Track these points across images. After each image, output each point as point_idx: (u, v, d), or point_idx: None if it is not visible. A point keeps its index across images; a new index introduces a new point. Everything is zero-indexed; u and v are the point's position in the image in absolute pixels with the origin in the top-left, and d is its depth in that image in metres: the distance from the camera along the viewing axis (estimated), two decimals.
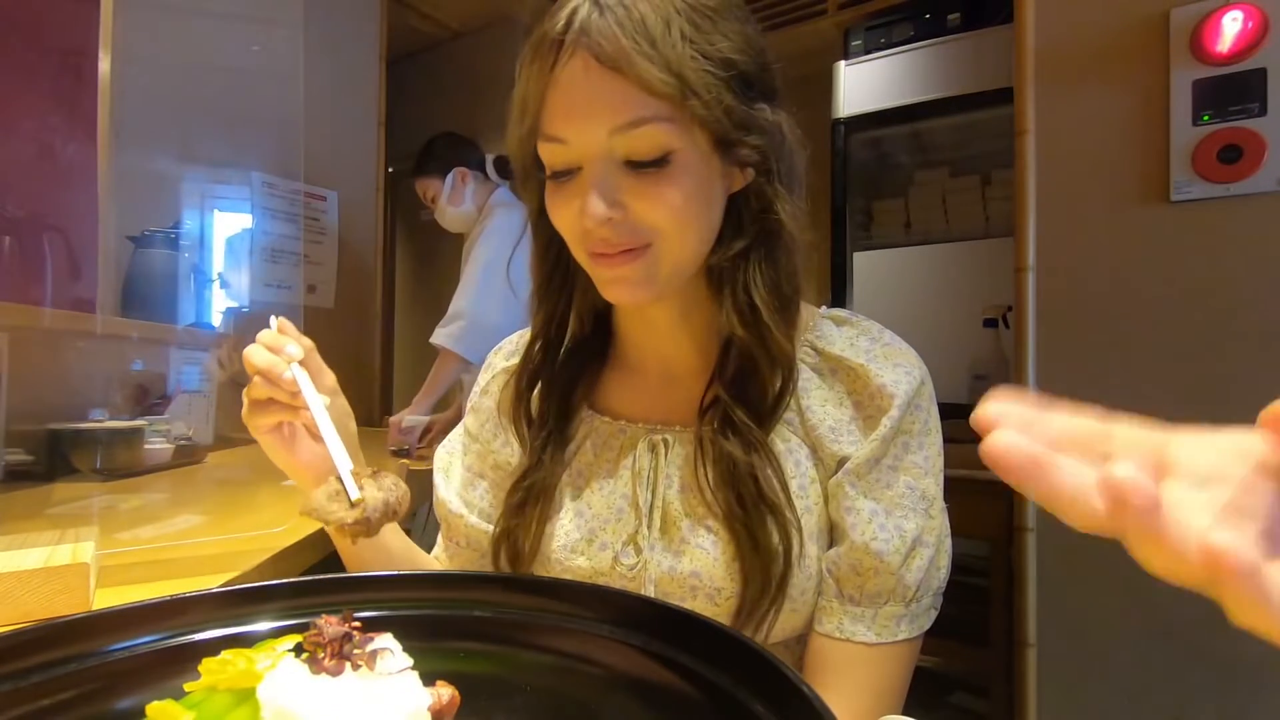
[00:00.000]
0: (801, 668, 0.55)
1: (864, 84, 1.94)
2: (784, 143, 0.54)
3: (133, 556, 0.71)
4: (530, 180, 0.56)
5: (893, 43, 1.90)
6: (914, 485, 0.54)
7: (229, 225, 2.04)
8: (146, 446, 1.33)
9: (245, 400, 0.55)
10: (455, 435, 0.69)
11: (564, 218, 0.53)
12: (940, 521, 0.55)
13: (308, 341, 0.57)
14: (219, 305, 1.99)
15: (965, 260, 1.91)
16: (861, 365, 0.55)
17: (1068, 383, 1.27)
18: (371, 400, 2.55)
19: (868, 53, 1.95)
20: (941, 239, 1.99)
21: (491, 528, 0.62)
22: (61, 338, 1.42)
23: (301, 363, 0.54)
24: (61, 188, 1.48)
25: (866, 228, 2.17)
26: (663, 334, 0.60)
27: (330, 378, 0.57)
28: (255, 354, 0.54)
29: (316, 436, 0.54)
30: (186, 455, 1.43)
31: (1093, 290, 1.25)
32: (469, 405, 0.68)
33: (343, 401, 0.59)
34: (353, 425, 0.59)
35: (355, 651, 0.24)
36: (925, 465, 0.55)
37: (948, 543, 0.56)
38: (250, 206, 2.09)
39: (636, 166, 0.49)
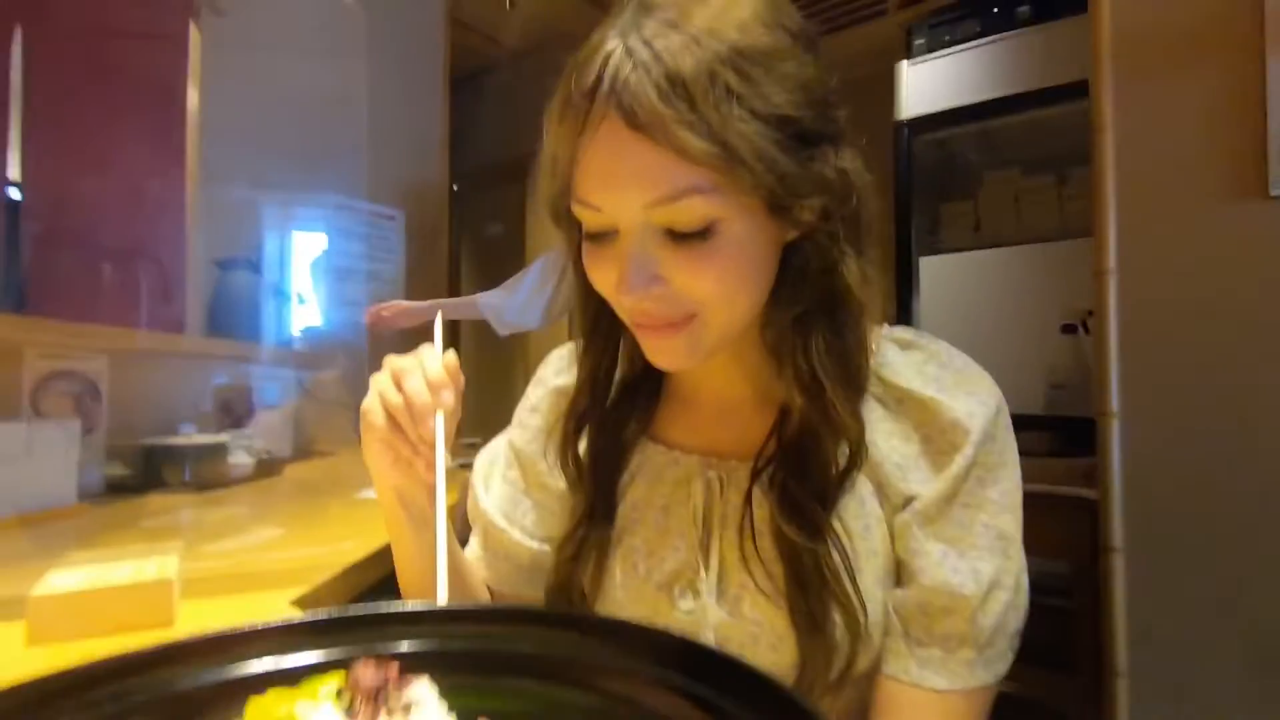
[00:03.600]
0: (870, 706, 0.53)
1: (928, 83, 1.89)
2: (850, 194, 0.48)
3: (214, 570, 0.75)
4: (566, 228, 0.53)
5: (957, 39, 1.84)
6: (989, 524, 0.50)
7: (305, 246, 2.14)
8: (230, 460, 1.41)
9: (370, 410, 0.52)
10: (498, 445, 0.68)
11: (602, 284, 0.50)
12: (1018, 562, 0.51)
13: (461, 381, 0.53)
14: (298, 324, 2.09)
15: (1040, 263, 1.82)
16: (931, 398, 0.52)
17: (1153, 392, 1.19)
18: None
19: (931, 51, 1.89)
20: (1014, 241, 1.90)
21: (532, 543, 0.62)
22: (154, 358, 1.52)
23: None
24: (153, 217, 1.58)
25: (933, 232, 2.09)
26: (715, 373, 0.58)
27: (459, 413, 0.53)
28: (411, 380, 0.51)
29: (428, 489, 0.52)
30: (267, 468, 1.51)
31: (1180, 293, 1.17)
32: (515, 417, 0.67)
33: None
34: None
35: (390, 703, 0.24)
36: (1002, 501, 0.51)
37: (1025, 581, 0.52)
38: (324, 227, 2.19)
39: (678, 237, 0.45)
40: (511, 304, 1.95)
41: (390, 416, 0.51)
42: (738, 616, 0.53)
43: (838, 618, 0.49)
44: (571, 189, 0.47)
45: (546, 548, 0.62)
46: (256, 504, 1.17)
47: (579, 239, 0.51)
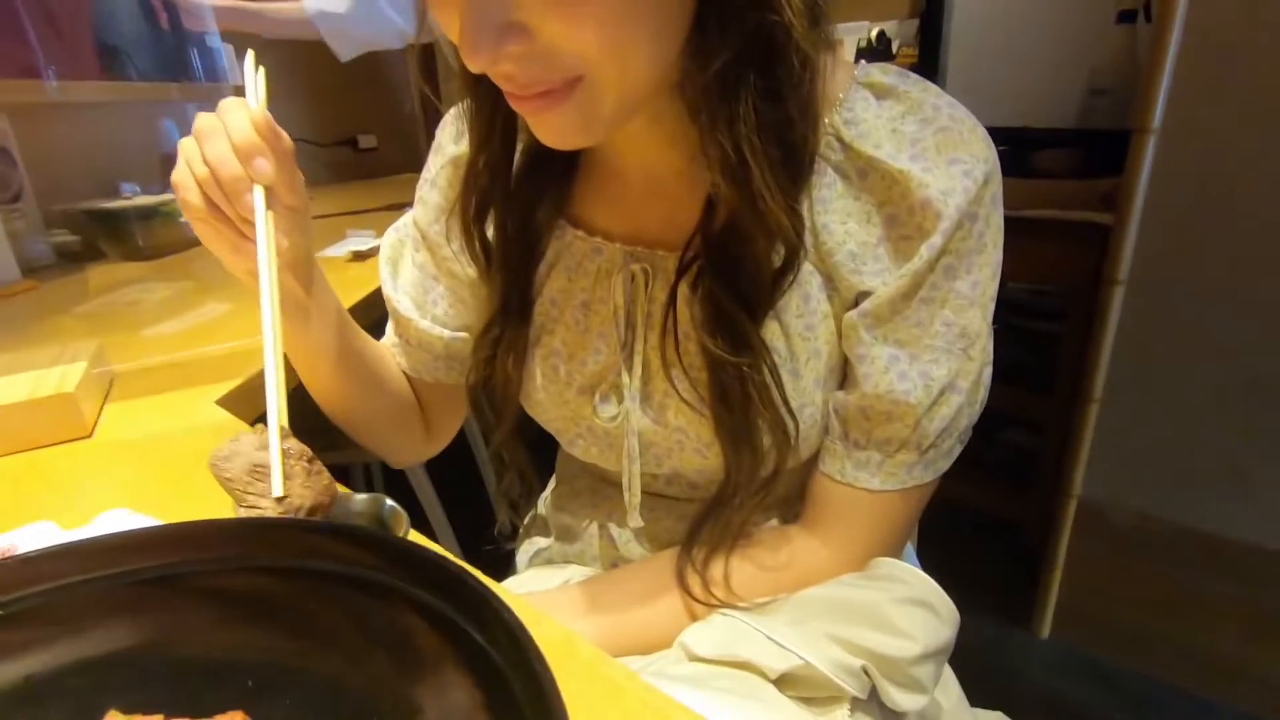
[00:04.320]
0: (802, 494, 0.51)
1: None
2: None
3: (147, 365, 0.72)
4: None
5: None
6: (952, 322, 0.43)
7: None
8: (183, 221, 1.32)
9: (180, 184, 0.43)
10: (405, 222, 0.59)
11: (449, 32, 0.36)
12: (980, 360, 0.44)
13: (287, 142, 0.44)
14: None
15: None
16: (901, 170, 0.41)
17: (1202, 107, 1.02)
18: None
19: None
20: None
21: (444, 332, 0.56)
22: (69, 110, 1.35)
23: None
24: None
25: None
26: (635, 139, 0.46)
27: (299, 185, 0.45)
28: (216, 147, 0.42)
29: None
30: None
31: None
32: (417, 191, 0.57)
33: (306, 212, 0.48)
34: (309, 235, 0.49)
35: None
36: (972, 294, 0.42)
37: (987, 375, 0.45)
38: None
39: None
40: (356, 11, 1.57)
41: (204, 193, 0.43)
42: (662, 424, 0.49)
43: (765, 431, 0.44)
44: None
45: (463, 335, 0.57)
46: (207, 273, 1.11)
47: None
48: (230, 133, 0.42)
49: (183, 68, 1.62)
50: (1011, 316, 1.75)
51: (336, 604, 0.25)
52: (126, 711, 0.21)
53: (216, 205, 0.43)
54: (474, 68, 0.34)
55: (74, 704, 0.22)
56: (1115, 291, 1.13)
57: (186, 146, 0.43)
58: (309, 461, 0.38)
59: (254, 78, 0.46)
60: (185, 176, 0.43)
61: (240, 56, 1.87)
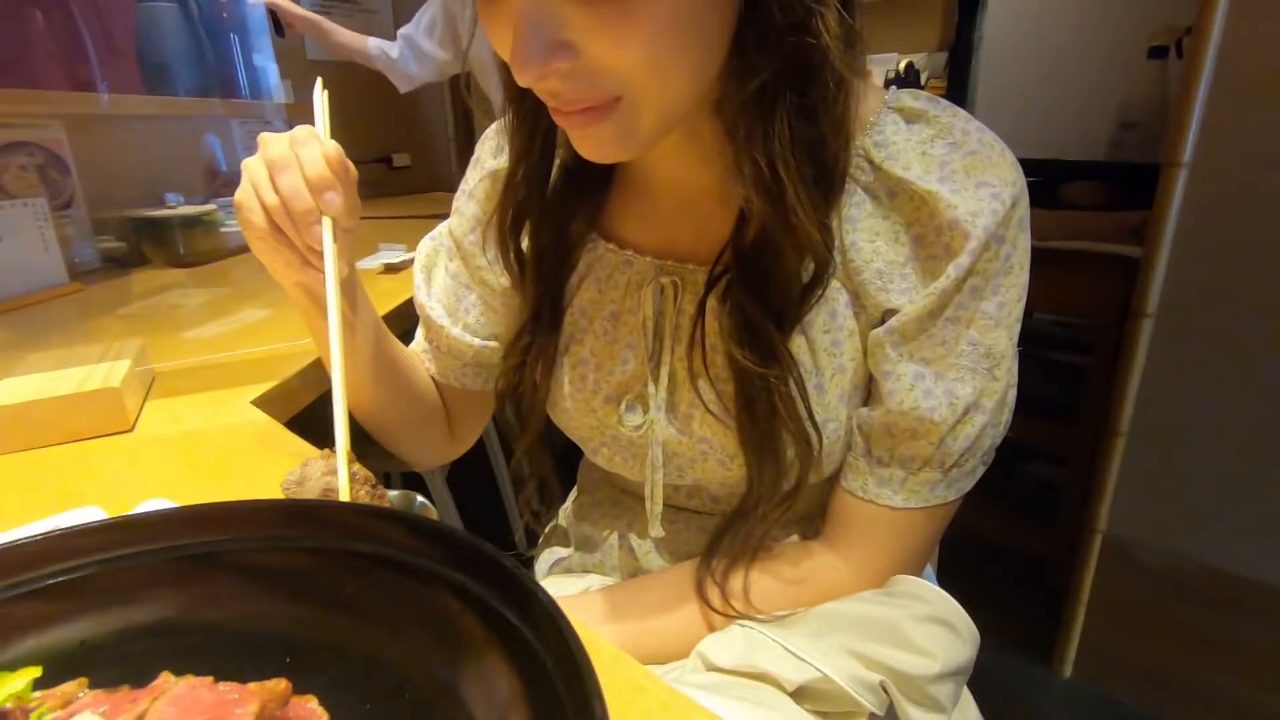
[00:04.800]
0: (824, 509, 0.51)
1: None
2: None
3: (186, 365, 0.75)
4: None
5: None
6: (978, 342, 0.43)
7: None
8: (224, 230, 1.37)
9: (245, 206, 0.44)
10: (441, 231, 0.60)
11: (503, 53, 0.37)
12: (1005, 381, 0.45)
13: (354, 173, 0.46)
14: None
15: None
16: (930, 191, 0.41)
17: (1233, 140, 1.01)
18: None
19: None
20: None
21: (475, 340, 0.58)
22: (121, 122, 1.41)
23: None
24: None
25: None
26: (669, 158, 0.47)
27: (357, 211, 0.47)
28: (289, 180, 0.43)
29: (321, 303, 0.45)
30: None
31: None
32: (454, 202, 0.59)
33: (357, 231, 0.49)
34: (352, 257, 0.50)
35: None
36: (998, 315, 0.43)
37: (1012, 396, 0.46)
38: None
39: None
40: (408, 50, 1.73)
41: (270, 217, 0.44)
42: (687, 434, 0.49)
43: (789, 444, 0.45)
44: None
45: (492, 343, 0.58)
46: (246, 281, 1.15)
47: None
48: (304, 165, 0.43)
49: (224, 84, 1.68)
50: (1037, 348, 1.73)
51: (374, 584, 0.26)
52: (178, 674, 0.22)
53: (281, 230, 0.45)
54: (523, 82, 0.36)
55: (126, 668, 0.23)
56: (1143, 324, 1.12)
57: (254, 170, 0.44)
58: (373, 486, 0.40)
59: (322, 107, 0.47)
60: (251, 199, 0.44)
61: (286, 81, 1.95)
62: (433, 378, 0.61)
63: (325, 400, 0.44)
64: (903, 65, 1.77)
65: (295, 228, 0.44)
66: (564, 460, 0.63)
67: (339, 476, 0.39)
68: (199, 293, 1.07)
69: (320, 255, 0.45)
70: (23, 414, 0.56)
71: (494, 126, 0.57)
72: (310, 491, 0.38)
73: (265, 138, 0.45)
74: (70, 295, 1.08)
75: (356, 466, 0.41)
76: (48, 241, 1.08)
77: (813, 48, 0.36)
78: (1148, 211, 1.10)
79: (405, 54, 1.73)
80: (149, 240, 1.28)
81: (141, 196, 1.38)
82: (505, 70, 0.44)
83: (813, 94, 0.38)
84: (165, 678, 0.22)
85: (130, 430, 0.60)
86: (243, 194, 0.45)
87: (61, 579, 0.25)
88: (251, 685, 0.22)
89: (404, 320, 0.90)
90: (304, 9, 1.74)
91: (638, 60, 0.35)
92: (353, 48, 1.76)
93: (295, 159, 0.43)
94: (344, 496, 0.37)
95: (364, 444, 0.65)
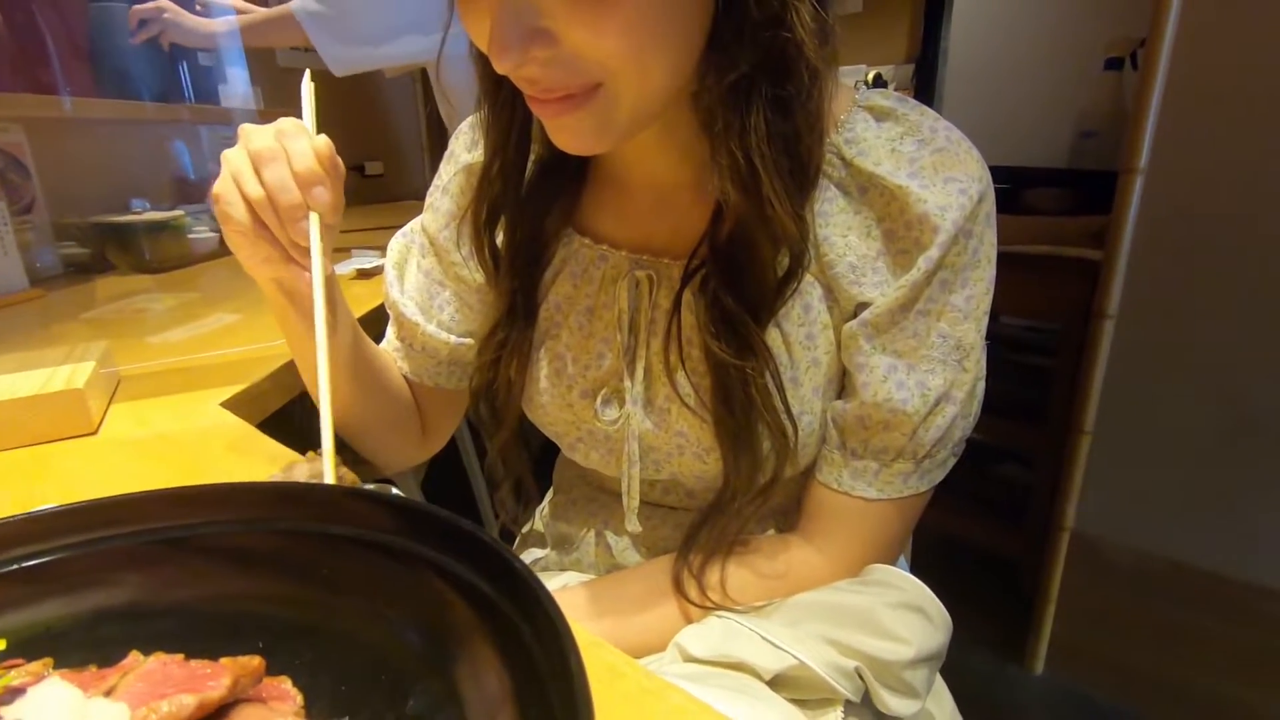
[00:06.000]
0: (799, 503, 0.52)
1: None
2: None
3: (153, 368, 0.73)
4: None
5: None
6: (948, 334, 0.44)
7: None
8: (191, 237, 1.34)
9: (225, 199, 0.43)
10: (413, 227, 0.60)
11: (480, 40, 0.38)
12: (974, 373, 0.46)
13: (342, 169, 0.45)
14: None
15: None
16: (899, 186, 0.43)
17: (1186, 147, 1.05)
18: None
19: None
20: None
21: (450, 338, 0.57)
22: (84, 126, 1.38)
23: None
24: None
25: None
26: (646, 152, 0.48)
27: (341, 208, 0.46)
28: (276, 173, 0.42)
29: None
30: None
31: (1245, 34, 0.98)
32: (428, 198, 0.58)
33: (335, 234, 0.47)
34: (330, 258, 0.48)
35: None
36: (966, 308, 0.44)
37: (981, 389, 0.47)
38: None
39: None
40: (351, 21, 1.49)
41: (252, 211, 0.43)
42: (664, 428, 0.50)
43: (765, 436, 0.45)
44: None
45: (467, 340, 0.58)
46: (214, 287, 1.13)
47: None
48: (292, 159, 0.42)
49: (192, 89, 1.64)
50: (1005, 351, 1.77)
51: (351, 564, 0.25)
52: (147, 653, 0.22)
53: (263, 224, 0.44)
54: (500, 69, 0.36)
55: (95, 652, 0.23)
56: (1105, 325, 1.15)
57: (236, 162, 0.43)
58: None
59: (309, 100, 0.46)
60: (231, 192, 0.43)
61: (257, 87, 1.85)
62: (405, 377, 0.61)
63: (297, 403, 0.44)
64: (871, 76, 1.81)
65: (280, 222, 0.43)
66: (539, 462, 0.63)
67: (325, 478, 0.39)
68: (166, 298, 1.05)
69: (301, 250, 0.44)
70: None
71: (468, 121, 0.57)
72: None
73: (247, 129, 0.44)
74: (31, 301, 1.06)
75: (343, 470, 0.41)
76: (7, 246, 1.05)
77: (788, 41, 0.37)
78: (1107, 216, 1.14)
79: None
80: (114, 246, 1.25)
81: (106, 202, 1.36)
82: (482, 61, 0.44)
83: (788, 87, 0.38)
84: (134, 656, 0.22)
85: (94, 434, 0.58)
86: (222, 186, 0.43)
87: (28, 564, 0.25)
88: (224, 660, 0.21)
89: (379, 323, 0.89)
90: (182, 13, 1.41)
91: (617, 49, 0.35)
92: (275, 34, 1.43)
93: (283, 152, 0.43)
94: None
95: (340, 451, 0.64)
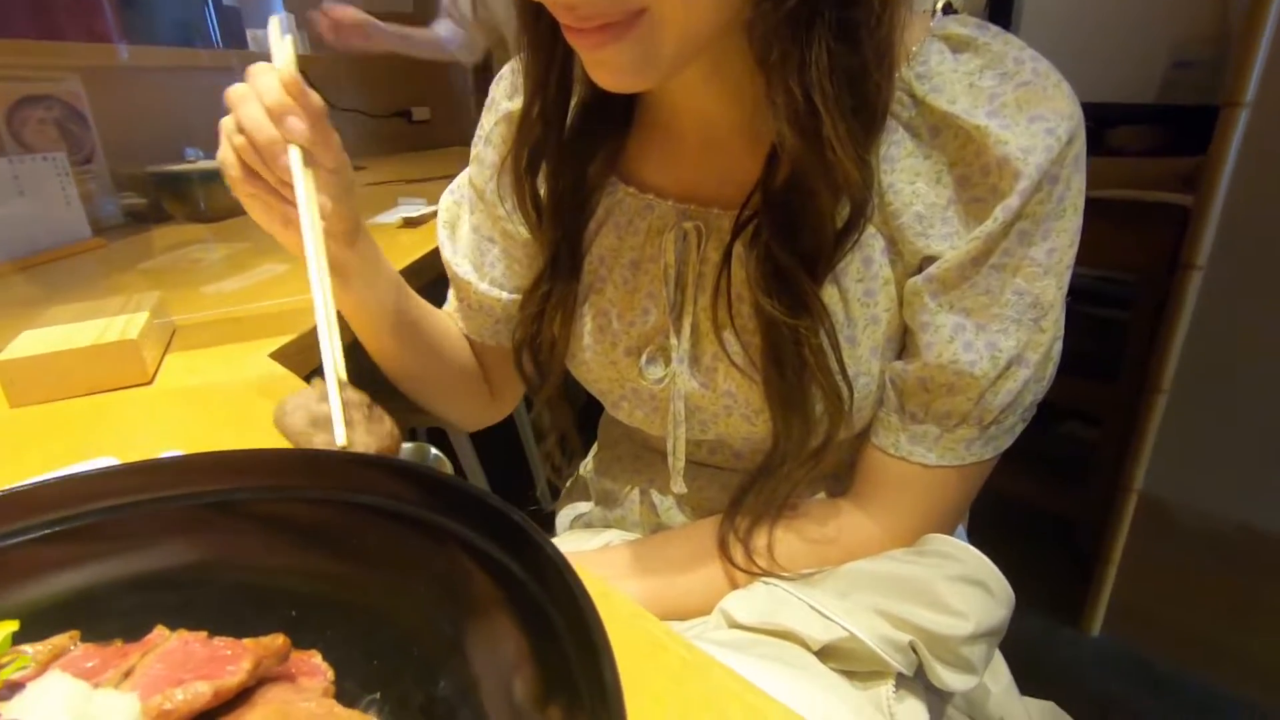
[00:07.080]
0: (852, 468, 0.49)
1: None
2: None
3: (206, 318, 0.74)
4: None
5: None
6: (1024, 290, 0.40)
7: None
8: None
9: (224, 160, 0.44)
10: (461, 182, 0.58)
11: None
12: (1052, 333, 0.42)
13: (317, 102, 0.43)
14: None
15: None
16: (977, 126, 0.38)
17: None
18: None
19: None
20: None
21: (503, 294, 0.56)
22: (141, 74, 1.39)
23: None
24: None
25: None
26: (694, 92, 0.44)
27: (335, 144, 0.45)
28: (249, 112, 0.42)
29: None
30: None
31: None
32: (472, 149, 0.56)
33: (347, 175, 0.47)
34: (354, 199, 0.48)
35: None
36: (1048, 262, 0.40)
37: (1058, 350, 0.43)
38: None
39: None
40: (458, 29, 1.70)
41: (244, 163, 0.43)
42: (711, 387, 0.47)
43: (818, 398, 0.42)
44: None
45: (518, 297, 0.56)
46: (265, 236, 1.13)
47: None
48: (260, 95, 0.42)
49: (204, 32, 1.63)
50: (1074, 303, 1.67)
51: (382, 537, 0.25)
52: (177, 627, 0.22)
53: (258, 174, 0.44)
54: None
55: (124, 620, 0.23)
56: (1193, 276, 1.06)
57: (225, 124, 0.43)
58: (369, 408, 0.39)
59: (280, 41, 0.45)
60: (228, 153, 0.44)
61: (303, 31, 1.88)
62: (466, 336, 0.60)
63: (346, 355, 0.44)
64: (940, 3, 1.68)
65: (264, 162, 0.42)
66: (585, 414, 0.62)
67: (331, 401, 0.38)
68: (219, 247, 1.07)
69: (292, 191, 0.43)
70: (42, 366, 0.56)
71: (508, 66, 0.54)
72: (301, 420, 0.37)
73: (230, 87, 0.43)
74: (93, 251, 1.09)
75: (350, 391, 0.40)
76: (69, 196, 1.07)
77: None
78: (1199, 157, 1.04)
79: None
80: (169, 195, 1.27)
81: (162, 151, 1.37)
82: None
83: (855, 13, 0.34)
84: (159, 631, 0.22)
85: (149, 383, 0.59)
86: (221, 152, 0.44)
87: (63, 526, 0.24)
88: (246, 641, 0.21)
89: (425, 273, 0.89)
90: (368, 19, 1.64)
91: None
92: (421, 48, 1.74)
93: (252, 91, 0.42)
94: (337, 422, 0.37)
95: (390, 399, 0.64)
